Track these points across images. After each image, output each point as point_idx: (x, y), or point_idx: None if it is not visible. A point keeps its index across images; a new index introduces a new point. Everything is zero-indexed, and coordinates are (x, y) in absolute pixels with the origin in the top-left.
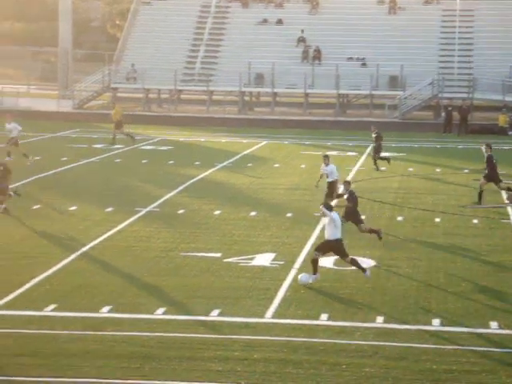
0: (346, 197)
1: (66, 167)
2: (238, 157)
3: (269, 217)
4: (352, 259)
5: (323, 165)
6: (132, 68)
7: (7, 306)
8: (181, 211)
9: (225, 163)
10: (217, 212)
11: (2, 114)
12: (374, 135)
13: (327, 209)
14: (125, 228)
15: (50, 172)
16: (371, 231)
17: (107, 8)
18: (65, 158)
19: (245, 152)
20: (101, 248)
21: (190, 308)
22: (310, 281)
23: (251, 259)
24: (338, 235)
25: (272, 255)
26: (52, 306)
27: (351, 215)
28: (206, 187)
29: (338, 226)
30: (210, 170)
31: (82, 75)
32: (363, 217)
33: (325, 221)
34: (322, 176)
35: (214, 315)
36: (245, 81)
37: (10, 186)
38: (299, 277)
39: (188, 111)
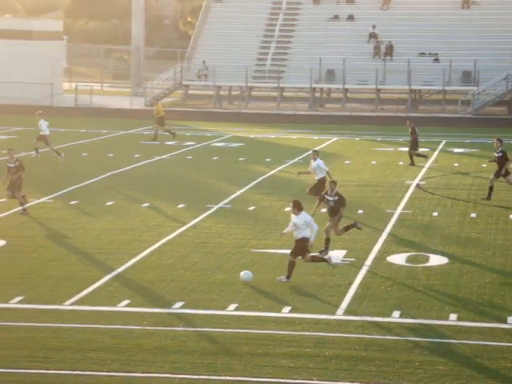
0: (332, 199)
1: (138, 164)
2: (308, 153)
3: None
4: (312, 257)
5: (311, 161)
6: (203, 65)
7: (82, 302)
8: (252, 208)
9: (295, 160)
10: (287, 208)
11: (77, 112)
12: (410, 130)
13: (297, 207)
14: (196, 224)
15: (123, 169)
16: (347, 229)
17: (179, 5)
18: (137, 155)
19: (315, 148)
20: (173, 244)
21: (261, 304)
22: (248, 279)
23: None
24: (304, 234)
25: (343, 252)
26: (125, 302)
27: (335, 213)
28: (277, 184)
29: (306, 226)
30: (281, 167)
31: (153, 73)
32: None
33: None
34: (309, 173)
35: (286, 312)
36: (315, 77)
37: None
38: (241, 274)
39: (259, 108)
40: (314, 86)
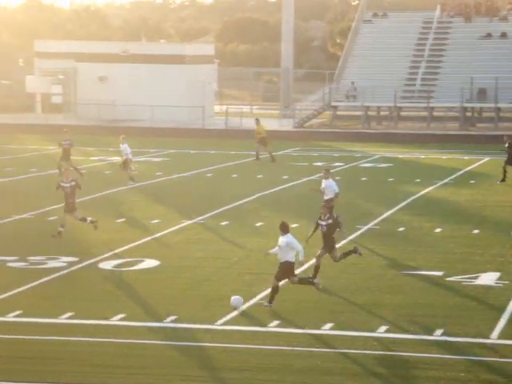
0: (324, 223)
1: (287, 185)
2: (459, 173)
3: (492, 235)
4: (300, 279)
5: (323, 180)
6: (352, 86)
7: (233, 322)
8: (401, 229)
9: (446, 180)
10: (438, 229)
11: (227, 134)
12: (506, 145)
13: (282, 228)
14: (345, 246)
15: (272, 190)
16: (346, 255)
17: (328, 27)
18: (286, 176)
19: (466, 169)
20: (322, 265)
21: (412, 326)
22: (240, 305)
23: (475, 278)
24: (288, 257)
25: (496, 274)
26: (275, 322)
27: (328, 239)
28: (427, 204)
29: (289, 248)
30: (431, 187)
31: (302, 94)
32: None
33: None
34: (320, 191)
35: (438, 334)
36: (466, 96)
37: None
38: (232, 299)
39: (408, 128)
40: (466, 105)
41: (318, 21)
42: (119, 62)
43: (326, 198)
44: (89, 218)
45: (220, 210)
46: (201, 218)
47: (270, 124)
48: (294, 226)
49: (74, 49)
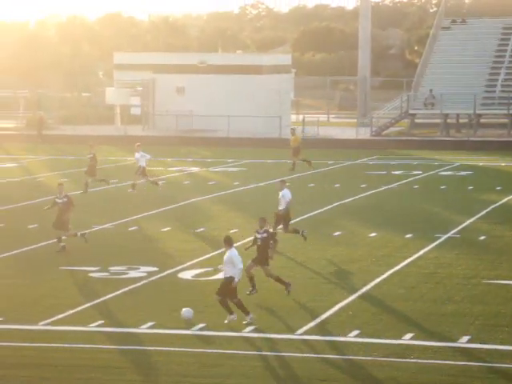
0: (259, 237)
1: (365, 194)
2: None
3: None
4: (239, 302)
5: (279, 191)
6: (430, 93)
7: (312, 331)
8: (482, 237)
9: None
10: None
11: (304, 144)
12: None
13: (229, 243)
14: (425, 255)
15: (350, 199)
16: (278, 280)
17: (406, 35)
18: (364, 185)
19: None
20: (401, 274)
21: (495, 337)
22: (190, 317)
23: None
24: (231, 273)
25: None
26: (355, 332)
27: (261, 253)
28: (508, 213)
29: (236, 263)
30: None
31: (379, 102)
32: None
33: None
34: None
35: None
36: None
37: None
38: (183, 311)
39: (487, 135)
40: None
41: (396, 28)
42: (196, 73)
43: (280, 207)
44: (79, 233)
45: (297, 219)
46: (279, 227)
47: (348, 133)
48: (373, 234)
49: (152, 60)
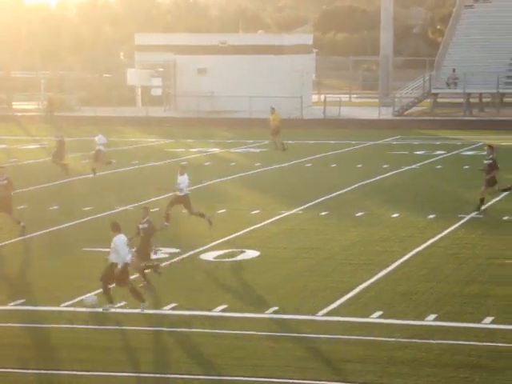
0: (141, 227)
1: (387, 174)
2: None
3: None
4: (132, 288)
5: (179, 175)
6: (453, 73)
7: (334, 313)
8: (506, 217)
9: None
10: None
11: (325, 124)
12: None
13: (115, 229)
14: (448, 235)
15: (373, 179)
16: (147, 267)
17: (428, 13)
18: (386, 165)
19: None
20: (424, 255)
21: None
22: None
23: None
24: (117, 259)
25: None
26: (377, 313)
27: (143, 244)
28: None
29: (119, 251)
30: None
31: (402, 82)
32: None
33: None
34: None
35: None
36: None
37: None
38: (85, 298)
39: (511, 115)
40: None
41: (419, 7)
42: (218, 54)
43: (180, 194)
44: (21, 223)
45: (319, 200)
46: (300, 208)
47: (370, 113)
48: (395, 215)
49: (173, 41)
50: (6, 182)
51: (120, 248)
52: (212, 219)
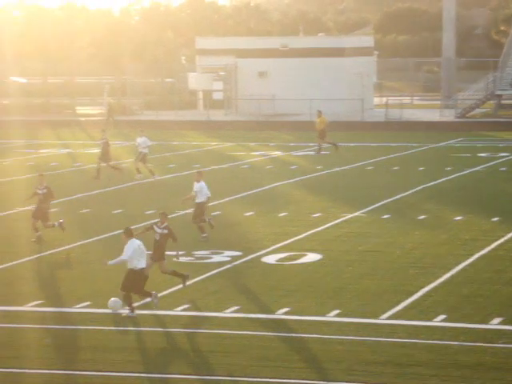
0: (159, 231)
1: (450, 177)
2: None
3: None
4: (145, 293)
5: (195, 182)
6: None
7: (397, 316)
8: None
9: None
10: None
11: (387, 126)
12: None
13: (127, 234)
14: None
15: (435, 182)
16: (174, 274)
17: (492, 14)
18: (449, 168)
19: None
20: (488, 258)
21: None
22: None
23: None
24: (136, 265)
25: None
26: (442, 317)
27: (159, 249)
28: None
29: (138, 255)
30: None
31: (464, 84)
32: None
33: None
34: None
35: None
36: None
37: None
38: (110, 301)
39: None
40: None
41: (481, 8)
42: (278, 57)
43: (197, 201)
44: (55, 223)
45: (381, 202)
46: (362, 211)
47: (432, 115)
48: (458, 218)
49: (234, 45)
50: (45, 190)
51: (126, 251)
52: (213, 222)
